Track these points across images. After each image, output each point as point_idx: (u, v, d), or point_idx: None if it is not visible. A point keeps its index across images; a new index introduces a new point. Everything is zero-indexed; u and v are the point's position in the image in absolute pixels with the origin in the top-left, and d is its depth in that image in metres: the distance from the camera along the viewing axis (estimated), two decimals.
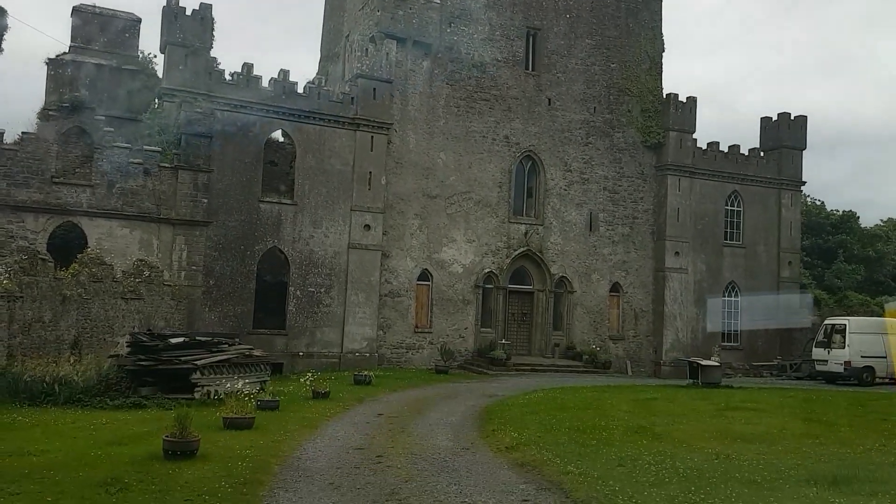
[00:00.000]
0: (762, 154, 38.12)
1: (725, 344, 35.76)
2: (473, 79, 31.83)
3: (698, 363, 26.24)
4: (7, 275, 18.42)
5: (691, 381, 25.82)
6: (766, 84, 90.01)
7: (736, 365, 34.39)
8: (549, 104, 33.38)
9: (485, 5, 32.21)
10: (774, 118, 38.80)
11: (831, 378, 29.85)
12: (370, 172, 29.14)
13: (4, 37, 26.72)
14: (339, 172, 28.70)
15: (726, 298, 36.57)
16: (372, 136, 29.20)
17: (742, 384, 26.92)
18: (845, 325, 30.27)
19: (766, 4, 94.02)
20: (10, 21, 26.63)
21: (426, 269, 30.59)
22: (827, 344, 30.52)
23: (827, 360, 30.28)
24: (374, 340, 28.84)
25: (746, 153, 37.57)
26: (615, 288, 34.43)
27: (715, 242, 36.47)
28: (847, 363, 29.32)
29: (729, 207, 37.07)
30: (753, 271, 37.15)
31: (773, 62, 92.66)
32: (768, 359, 35.91)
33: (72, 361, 17.88)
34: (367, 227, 28.94)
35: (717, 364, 27.27)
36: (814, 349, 31.51)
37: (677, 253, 35.09)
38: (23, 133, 22.34)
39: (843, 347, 29.65)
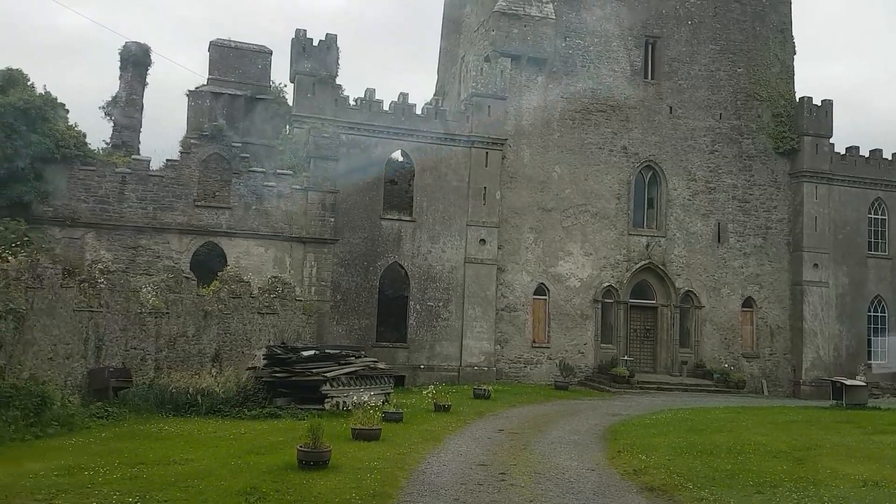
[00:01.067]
0: None
1: (872, 362, 33.01)
2: (589, 90, 31.41)
3: (842, 383, 24.42)
4: (155, 293, 20.01)
5: (835, 402, 24.05)
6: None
7: (884, 385, 31.65)
8: (671, 112, 32.35)
9: (601, 17, 31.77)
10: None
11: None
12: (485, 188, 29.35)
13: (149, 71, 29.40)
14: (455, 189, 29.11)
15: (872, 314, 33.79)
16: (486, 152, 29.43)
17: (891, 405, 24.76)
18: None
19: (888, 9, 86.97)
20: (153, 56, 29.25)
21: (542, 284, 30.34)
22: None
23: None
24: (492, 355, 28.88)
25: (890, 158, 34.71)
26: (748, 303, 32.66)
27: (858, 253, 33.85)
28: None
29: (872, 216, 34.33)
30: None
31: None
32: None
33: (213, 374, 19.09)
34: (483, 241, 29.12)
35: (863, 384, 25.28)
36: None
37: (816, 265, 32.84)
38: (167, 160, 24.29)
39: None
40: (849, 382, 24.68)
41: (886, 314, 33.85)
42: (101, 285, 18.08)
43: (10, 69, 22.69)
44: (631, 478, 11.65)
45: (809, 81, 69.34)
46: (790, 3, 34.64)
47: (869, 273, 33.89)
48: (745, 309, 32.64)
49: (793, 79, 34.30)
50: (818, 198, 33.12)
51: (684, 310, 31.83)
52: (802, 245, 32.77)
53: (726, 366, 30.96)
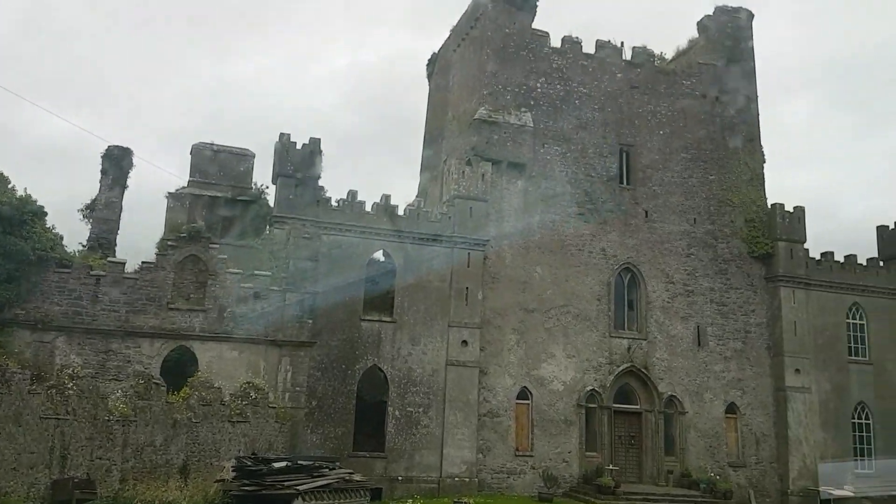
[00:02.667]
0: (882, 263, 35.80)
1: (859, 471, 32.36)
2: (567, 194, 32.00)
3: (830, 493, 23.79)
4: (123, 399, 19.21)
5: None
6: (863, 195, 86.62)
7: (872, 495, 30.87)
8: (647, 216, 32.94)
9: (576, 126, 32.82)
10: (891, 226, 36.67)
11: None
12: (467, 288, 29.24)
13: (130, 174, 29.49)
14: (437, 289, 28.95)
15: (856, 420, 33.44)
16: (469, 253, 29.50)
17: None
18: None
19: (850, 119, 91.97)
20: (134, 160, 29.43)
21: (525, 387, 29.75)
22: None
23: None
24: (474, 464, 27.86)
25: (864, 263, 35.39)
26: (731, 409, 32.19)
27: (839, 359, 33.83)
28: None
29: (851, 321, 34.57)
30: (884, 389, 34.01)
31: (866, 173, 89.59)
32: None
33: (179, 486, 18.12)
34: (465, 342, 28.70)
35: (851, 494, 24.66)
36: None
37: (798, 370, 32.69)
38: (143, 262, 23.92)
39: None
40: (837, 493, 24.09)
41: (871, 421, 33.51)
42: (70, 391, 17.36)
43: None
44: None
45: (781, 188, 71.89)
46: (758, 114, 36.16)
47: (851, 379, 33.77)
48: (728, 415, 32.13)
49: (763, 185, 35.32)
50: (796, 302, 33.38)
51: (668, 415, 31.26)
52: (783, 349, 32.73)
53: (712, 475, 30.11)
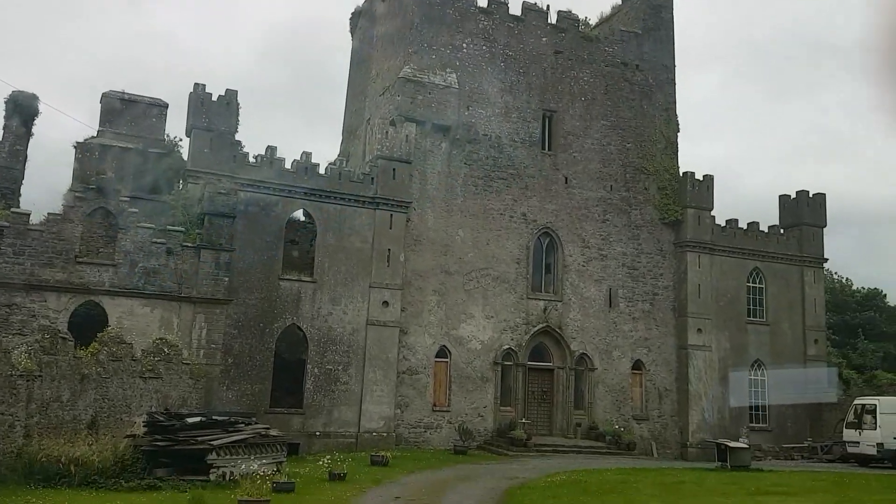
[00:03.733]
0: (782, 231, 38.00)
1: (754, 425, 34.72)
2: (491, 158, 32.41)
3: (727, 445, 25.46)
4: (27, 354, 18.54)
5: (720, 463, 25.00)
6: (769, 165, 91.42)
7: (765, 447, 33.23)
8: (566, 182, 33.77)
9: (501, 89, 33.11)
10: (793, 196, 38.86)
11: (864, 460, 28.74)
12: (389, 250, 29.37)
13: (35, 121, 27.94)
14: (359, 250, 28.96)
15: (752, 377, 35.72)
16: (391, 215, 29.57)
17: (772, 467, 25.98)
18: (875, 405, 29.37)
19: (759, 90, 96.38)
20: (40, 106, 27.89)
21: (444, 346, 30.35)
22: (857, 425, 29.56)
23: (858, 442, 29.27)
24: (392, 420, 28.36)
25: (766, 230, 37.48)
26: (637, 365, 33.83)
27: (738, 320, 35.93)
28: (880, 445, 28.27)
29: (751, 284, 36.69)
30: (779, 349, 36.41)
31: (770, 145, 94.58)
32: (798, 440, 34.71)
33: (88, 442, 17.74)
34: (386, 303, 28.94)
35: (745, 446, 26.47)
36: (844, 430, 30.48)
37: (700, 330, 34.55)
38: (49, 214, 22.91)
39: (875, 429, 28.70)
40: (733, 445, 25.75)
41: (766, 378, 35.83)
42: None
43: None
44: None
45: (692, 157, 74.68)
46: (674, 84, 37.37)
47: (748, 338, 35.96)
48: (634, 371, 33.76)
49: (677, 154, 36.71)
50: (701, 266, 35.14)
51: (579, 372, 32.56)
52: (687, 311, 34.49)
53: (618, 427, 31.71)
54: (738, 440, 28.65)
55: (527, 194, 32.86)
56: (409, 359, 29.53)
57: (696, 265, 35.04)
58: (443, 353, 30.36)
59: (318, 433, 26.97)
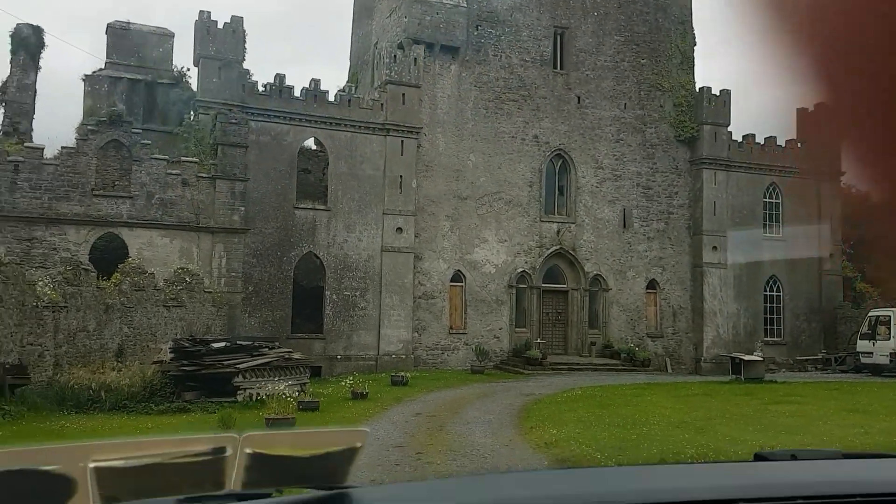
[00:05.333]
0: (800, 145, 37.35)
1: (768, 339, 35.09)
2: (501, 80, 31.83)
3: (741, 359, 25.86)
4: (52, 286, 18.98)
5: (734, 377, 25.44)
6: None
7: (779, 360, 33.70)
8: (579, 102, 33.21)
9: (511, 7, 32.19)
10: (811, 109, 37.94)
11: (877, 370, 29.17)
12: (401, 176, 29.32)
13: (41, 55, 27.71)
14: (371, 177, 28.94)
15: (768, 293, 35.87)
16: (402, 141, 29.38)
17: (786, 379, 26.41)
18: (890, 316, 29.55)
19: None
20: (47, 39, 27.59)
21: (459, 271, 30.64)
22: (871, 336, 29.88)
23: (872, 353, 29.65)
24: (410, 343, 28.96)
25: (783, 145, 36.87)
26: (652, 285, 34.04)
27: (754, 236, 35.80)
28: (893, 354, 28.64)
29: (767, 200, 36.37)
30: (794, 264, 36.37)
31: None
32: (812, 353, 35.14)
33: (117, 369, 18.34)
34: (399, 230, 29.11)
35: (759, 359, 26.84)
36: (858, 342, 30.81)
37: (715, 248, 34.53)
38: (63, 148, 23.01)
39: (889, 339, 28.98)
40: (746, 358, 26.15)
41: (782, 293, 35.99)
42: None
43: None
44: (542, 451, 11.99)
45: (709, 72, 72.64)
46: None
47: (764, 254, 35.91)
48: (649, 291, 34.00)
49: (693, 69, 35.83)
50: (717, 183, 34.80)
51: (593, 293, 32.85)
52: (702, 229, 34.39)
53: (632, 345, 32.20)
54: (752, 354, 29.04)
55: (538, 116, 32.40)
56: (424, 284, 29.89)
57: (712, 182, 34.70)
58: (457, 277, 30.67)
59: (338, 356, 27.66)
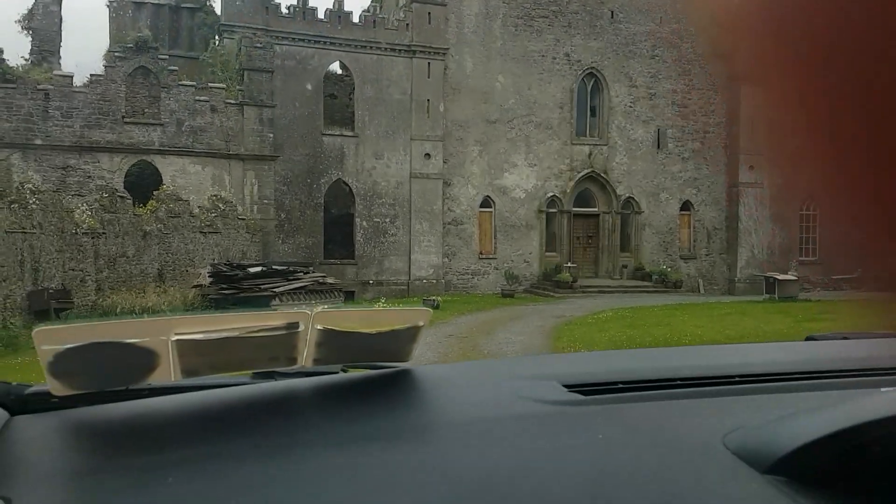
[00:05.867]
0: None
1: (803, 259, 34.61)
2: None
3: (775, 278, 25.63)
4: (90, 213, 19.36)
5: (768, 296, 25.31)
6: None
7: (814, 279, 33.33)
8: (612, 17, 32.03)
9: None
10: None
11: None
12: (428, 100, 28.86)
13: None
14: (398, 102, 28.54)
15: (804, 212, 35.14)
16: (428, 63, 28.78)
17: (821, 297, 26.17)
18: None
19: None
20: None
21: (488, 196, 30.47)
22: None
23: None
24: (440, 267, 29.17)
25: None
26: (685, 206, 33.56)
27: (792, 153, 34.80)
28: None
29: None
30: None
31: None
32: (849, 272, 34.56)
33: (157, 293, 18.84)
34: (428, 155, 28.87)
35: (794, 278, 26.58)
36: None
37: (752, 167, 33.74)
38: (91, 75, 23.00)
39: None
40: (781, 277, 25.91)
41: (817, 212, 35.19)
42: (33, 206, 17.39)
43: None
44: None
45: None
46: None
47: (804, 172, 34.94)
48: (682, 212, 33.56)
49: None
50: (756, 99, 33.61)
51: (625, 216, 32.54)
52: (739, 148, 33.55)
53: (665, 267, 32.04)
54: (786, 273, 28.75)
55: (570, 33, 31.39)
56: (453, 210, 29.83)
57: (751, 98, 33.53)
58: (487, 203, 30.53)
59: (370, 281, 28.02)
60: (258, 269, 20.03)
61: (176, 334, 1.15)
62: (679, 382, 1.38)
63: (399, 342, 1.41)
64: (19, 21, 26.48)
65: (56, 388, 1.13)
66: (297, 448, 1.06)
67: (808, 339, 2.04)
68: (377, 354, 1.42)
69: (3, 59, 22.25)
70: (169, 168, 23.68)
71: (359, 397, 1.35)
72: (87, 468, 1.02)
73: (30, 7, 26.55)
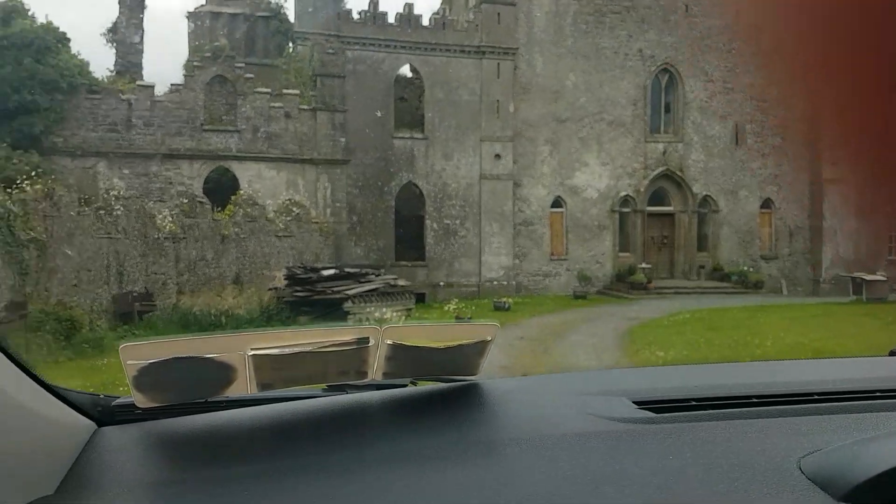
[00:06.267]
0: None
1: (893, 258, 32.72)
2: None
3: (862, 278, 24.35)
4: (171, 218, 20.12)
5: (854, 297, 24.07)
6: None
7: None
8: (687, 11, 31.07)
9: None
10: None
11: None
12: (497, 101, 28.72)
13: None
14: (467, 103, 28.53)
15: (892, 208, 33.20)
16: (498, 63, 28.65)
17: None
18: None
19: None
20: None
21: (559, 196, 30.08)
22: None
23: None
24: (511, 269, 28.98)
25: None
26: (766, 204, 32.24)
27: (883, 147, 32.98)
28: None
29: None
30: None
31: None
32: None
33: (234, 295, 19.42)
34: (498, 156, 28.74)
35: (883, 278, 25.18)
36: None
37: (835, 163, 32.08)
38: (172, 85, 23.94)
39: None
40: (868, 277, 24.58)
41: None
42: (118, 212, 18.21)
43: (9, 0, 22.18)
44: None
45: None
46: None
47: (892, 167, 33.09)
48: (763, 210, 32.25)
49: None
50: None
51: (702, 215, 31.53)
52: (822, 143, 31.92)
53: (745, 268, 30.86)
54: (874, 274, 27.25)
55: (643, 28, 30.64)
56: (524, 210, 29.58)
57: (836, 90, 31.99)
58: (557, 203, 30.14)
59: (441, 283, 28.10)
60: (331, 271, 20.35)
61: (252, 349, 1.20)
62: (754, 400, 1.35)
63: (467, 356, 1.43)
64: (104, 34, 27.87)
65: (140, 400, 1.19)
66: (367, 463, 1.07)
67: (891, 353, 1.92)
68: (445, 369, 1.45)
69: (90, 72, 23.39)
70: (245, 173, 24.40)
71: (428, 411, 1.38)
72: (170, 479, 1.07)
73: (114, 21, 27.88)
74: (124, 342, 1.16)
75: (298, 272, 20.13)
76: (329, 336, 1.26)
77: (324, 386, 1.46)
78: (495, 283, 28.50)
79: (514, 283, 28.89)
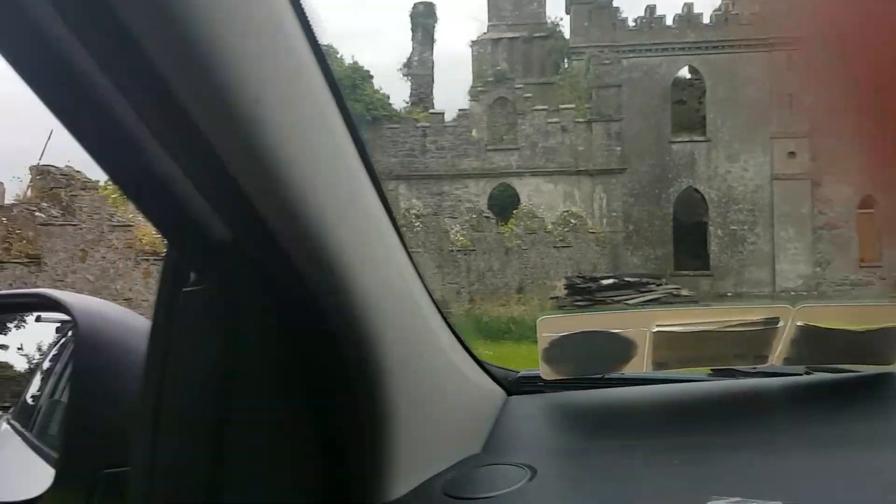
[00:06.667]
0: None
1: None
2: None
3: None
4: (462, 232, 21.71)
5: None
6: None
7: None
8: None
9: None
10: None
11: None
12: (790, 94, 26.21)
13: (435, 28, 31.17)
14: (753, 99, 26.51)
15: None
16: (789, 54, 26.14)
17: None
18: None
19: None
20: (438, 12, 30.85)
21: (871, 195, 26.36)
22: None
23: None
24: (811, 278, 26.19)
25: None
26: None
27: None
28: None
29: None
30: None
31: None
32: None
33: (519, 303, 20.27)
34: (792, 154, 26.23)
35: None
36: None
37: None
38: (459, 110, 25.86)
39: None
40: None
41: None
42: (417, 228, 20.12)
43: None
44: None
45: None
46: None
47: None
48: None
49: None
50: None
51: None
52: None
53: None
54: None
55: None
56: (825, 213, 26.60)
57: None
58: (867, 202, 26.50)
59: (728, 293, 26.39)
60: (610, 281, 20.25)
61: (657, 326, 1.19)
62: None
63: (889, 342, 1.25)
64: (400, 69, 30.99)
65: (546, 372, 1.25)
66: (772, 445, 1.02)
67: None
68: (859, 355, 1.28)
69: (390, 104, 26.20)
70: (525, 188, 25.41)
71: (832, 400, 1.25)
72: (578, 447, 1.12)
73: (408, 56, 30.87)
74: (543, 315, 1.25)
75: (578, 281, 20.36)
76: (735, 315, 1.21)
77: (708, 370, 1.37)
78: (792, 293, 25.98)
79: (815, 293, 26.05)
